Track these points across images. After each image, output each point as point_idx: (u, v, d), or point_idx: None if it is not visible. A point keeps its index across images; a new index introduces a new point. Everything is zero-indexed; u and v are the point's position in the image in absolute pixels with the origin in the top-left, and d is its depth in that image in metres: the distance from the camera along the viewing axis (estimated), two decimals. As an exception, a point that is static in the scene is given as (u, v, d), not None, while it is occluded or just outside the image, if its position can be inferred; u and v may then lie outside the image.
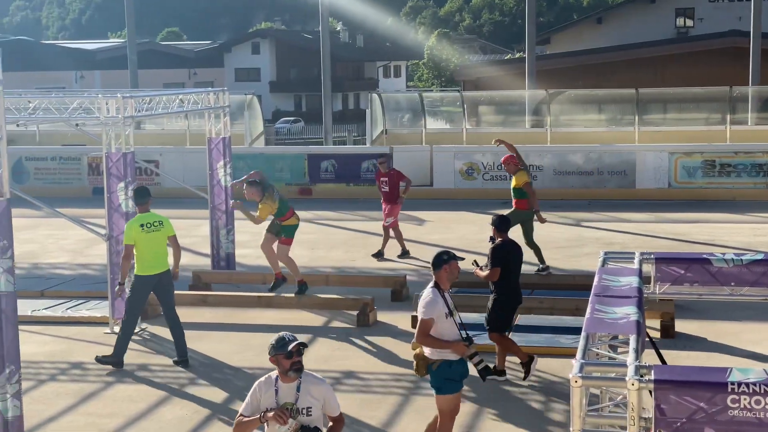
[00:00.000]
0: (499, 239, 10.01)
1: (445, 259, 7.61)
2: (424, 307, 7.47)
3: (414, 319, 12.03)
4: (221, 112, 14.88)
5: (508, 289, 9.83)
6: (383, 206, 16.51)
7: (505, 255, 9.82)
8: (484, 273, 9.85)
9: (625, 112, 26.52)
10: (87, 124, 12.98)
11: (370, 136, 27.53)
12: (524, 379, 9.93)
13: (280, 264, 12.73)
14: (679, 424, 4.52)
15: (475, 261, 9.85)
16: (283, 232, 12.64)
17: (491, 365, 8.18)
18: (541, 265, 14.44)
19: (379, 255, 16.33)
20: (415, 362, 7.71)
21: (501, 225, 10.10)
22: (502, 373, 9.96)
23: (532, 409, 9.21)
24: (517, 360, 10.38)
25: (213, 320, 12.63)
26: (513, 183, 14.83)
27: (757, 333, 11.46)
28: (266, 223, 12.73)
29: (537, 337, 11.32)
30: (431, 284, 7.63)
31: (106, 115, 11.99)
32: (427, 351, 7.56)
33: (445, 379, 7.58)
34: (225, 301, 13.16)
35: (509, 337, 10.09)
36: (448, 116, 29.95)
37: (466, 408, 8.88)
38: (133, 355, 11.19)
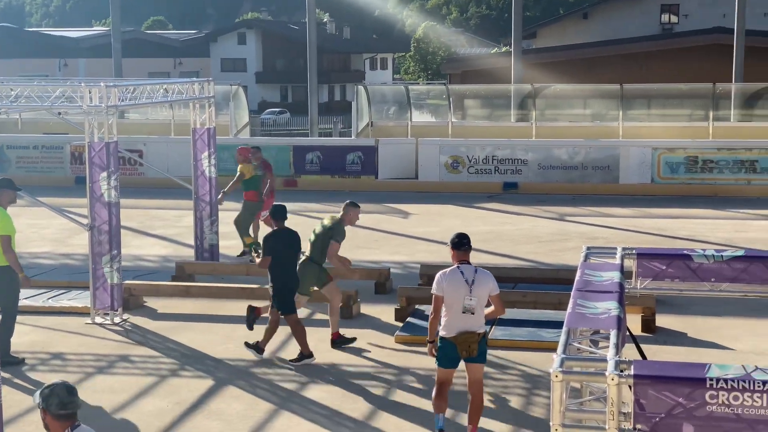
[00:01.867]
0: (275, 228, 10.38)
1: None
2: None
3: (397, 312, 12.07)
4: (206, 103, 14.83)
5: (283, 275, 10.27)
6: None
7: (276, 243, 10.20)
8: (258, 261, 10.33)
9: (610, 107, 26.59)
10: (70, 113, 12.89)
11: (355, 129, 27.50)
12: (290, 360, 10.39)
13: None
14: (657, 419, 4.54)
15: (254, 247, 10.58)
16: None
17: None
18: (245, 250, 15.51)
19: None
20: (468, 344, 7.89)
21: (276, 214, 10.45)
22: (311, 356, 10.39)
23: (513, 403, 9.24)
24: (516, 359, 10.44)
25: (196, 311, 12.61)
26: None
27: (737, 328, 11.54)
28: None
29: (520, 331, 11.35)
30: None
31: (88, 103, 11.91)
32: (481, 324, 7.95)
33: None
34: (208, 293, 13.13)
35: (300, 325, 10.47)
36: (434, 109, 29.94)
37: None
38: (115, 346, 11.17)
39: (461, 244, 8.01)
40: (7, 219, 10.43)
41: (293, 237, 10.44)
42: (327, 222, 10.85)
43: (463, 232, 8.23)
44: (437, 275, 8.03)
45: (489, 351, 10.53)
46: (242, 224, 15.60)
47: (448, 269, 8.01)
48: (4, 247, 10.27)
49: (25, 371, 10.30)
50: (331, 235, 10.71)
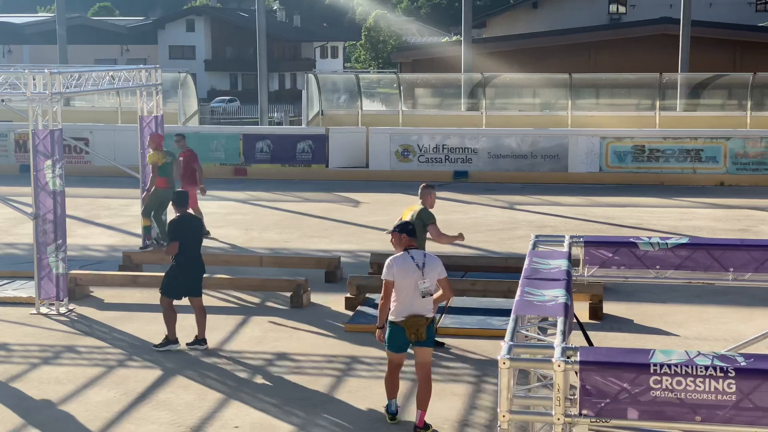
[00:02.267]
0: (177, 214, 10.57)
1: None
2: None
3: (347, 300, 12.08)
4: (153, 90, 14.66)
5: (186, 259, 10.42)
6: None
7: (181, 229, 10.40)
8: (165, 249, 10.54)
9: (559, 96, 26.81)
10: (13, 100, 12.64)
11: (306, 117, 27.39)
12: (154, 345, 10.55)
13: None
14: (603, 404, 4.59)
15: (154, 239, 10.40)
16: None
17: None
18: (148, 242, 14.90)
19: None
20: (417, 328, 8.02)
21: (178, 200, 10.65)
22: (204, 342, 10.55)
23: (463, 390, 9.29)
24: (466, 347, 10.51)
25: (143, 301, 12.48)
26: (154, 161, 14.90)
27: (682, 315, 11.73)
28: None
29: (469, 319, 11.42)
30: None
31: (33, 90, 11.71)
32: (429, 308, 8.10)
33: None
34: (155, 282, 12.94)
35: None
36: (384, 98, 29.93)
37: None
38: (61, 337, 11.01)
39: (415, 231, 8.26)
40: None
41: (196, 222, 10.74)
42: (413, 214, 10.56)
43: (408, 220, 8.32)
44: (387, 261, 8.13)
45: (440, 339, 10.64)
46: (146, 207, 14.94)
47: (398, 255, 8.13)
48: None
49: (-32, 363, 10.12)
50: (423, 223, 10.43)
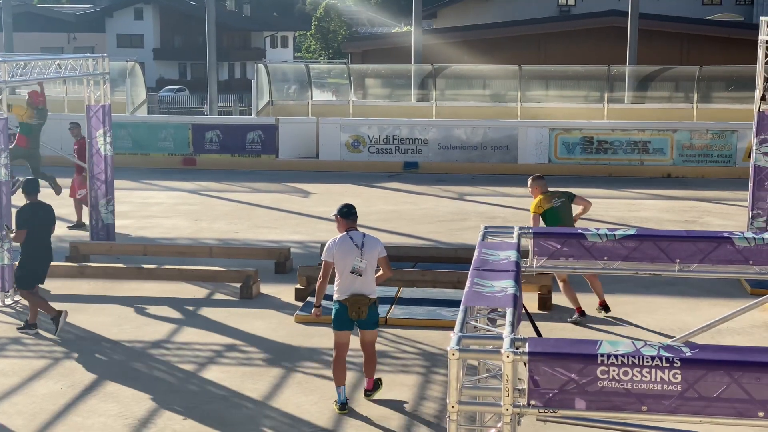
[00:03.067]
0: (27, 201, 10.61)
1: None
2: None
3: (297, 291, 12.05)
4: (101, 79, 14.46)
5: (35, 248, 10.50)
6: (75, 177, 15.98)
7: (29, 217, 10.46)
8: (12, 235, 10.53)
9: (509, 88, 26.94)
10: (-44, 88, 12.38)
11: (255, 107, 27.22)
12: (55, 333, 10.50)
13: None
14: (551, 395, 4.63)
15: (6, 225, 10.67)
16: None
17: None
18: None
19: (79, 226, 15.91)
20: (358, 306, 8.29)
21: (28, 188, 10.71)
22: (34, 326, 10.60)
23: (413, 381, 9.32)
24: (416, 338, 10.54)
25: (91, 292, 12.33)
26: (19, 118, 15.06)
27: (629, 305, 11.89)
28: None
29: (419, 310, 11.45)
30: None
31: (-24, 79, 11.49)
32: (372, 289, 8.36)
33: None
34: (103, 273, 12.86)
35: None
36: (334, 88, 29.82)
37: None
38: (6, 329, 10.84)
39: (350, 213, 8.51)
40: None
41: (47, 210, 10.71)
42: (558, 198, 11.19)
43: (349, 203, 8.68)
44: (327, 243, 8.51)
45: (389, 329, 10.68)
46: (34, 171, 15.02)
47: (338, 237, 8.45)
48: None
49: None
50: (572, 199, 11.36)
